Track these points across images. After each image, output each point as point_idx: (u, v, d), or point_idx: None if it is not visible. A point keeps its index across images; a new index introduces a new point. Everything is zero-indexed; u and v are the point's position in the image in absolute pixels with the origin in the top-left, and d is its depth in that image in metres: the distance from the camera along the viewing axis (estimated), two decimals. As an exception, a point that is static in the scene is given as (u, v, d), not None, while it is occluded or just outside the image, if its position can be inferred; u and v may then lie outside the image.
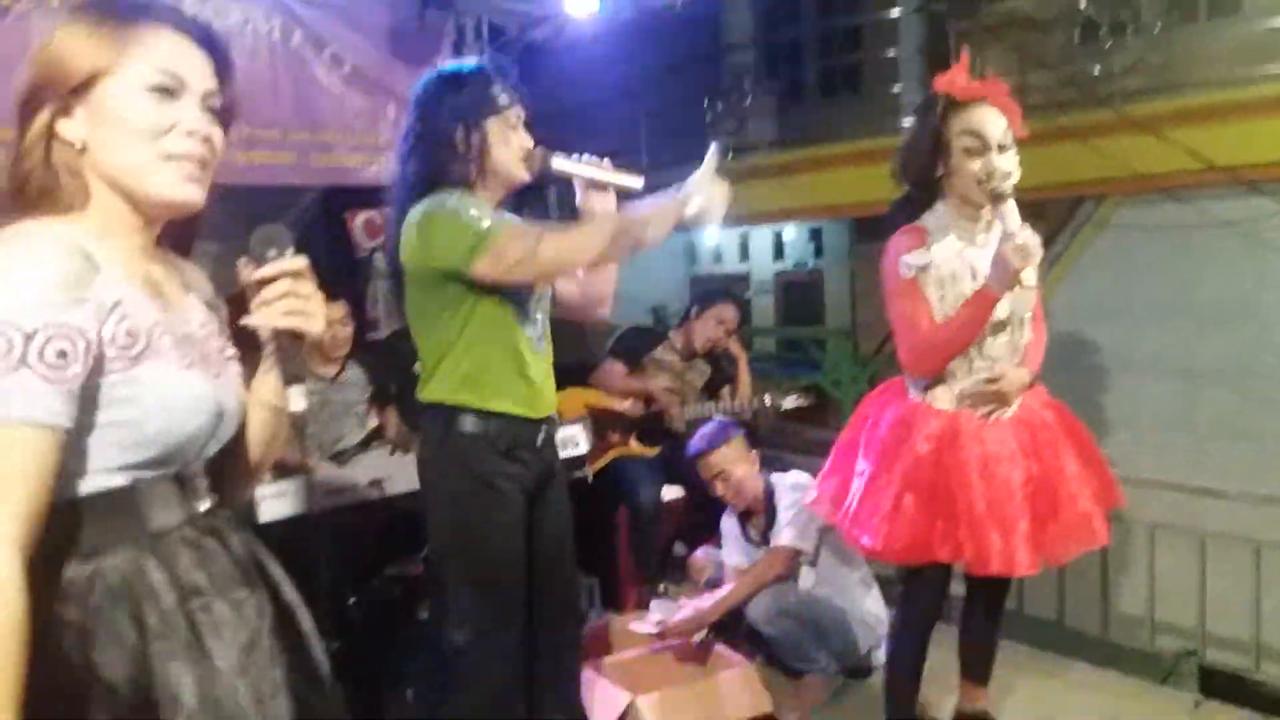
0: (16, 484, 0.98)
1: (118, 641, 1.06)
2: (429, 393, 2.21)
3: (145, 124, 1.11)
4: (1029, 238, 2.18)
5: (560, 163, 2.17)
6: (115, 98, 1.11)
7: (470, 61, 2.25)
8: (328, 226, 4.95)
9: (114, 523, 1.09)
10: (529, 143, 2.18)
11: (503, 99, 2.15)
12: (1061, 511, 2.33)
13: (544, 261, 2.02)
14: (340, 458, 3.46)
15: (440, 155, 2.13)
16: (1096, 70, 5.56)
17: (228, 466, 1.26)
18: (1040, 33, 6.18)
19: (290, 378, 1.20)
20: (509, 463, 2.17)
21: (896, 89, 6.85)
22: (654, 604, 3.37)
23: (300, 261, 1.19)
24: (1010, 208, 2.24)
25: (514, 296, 2.16)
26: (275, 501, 3.03)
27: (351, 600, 3.24)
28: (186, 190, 1.15)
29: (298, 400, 1.20)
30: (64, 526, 1.06)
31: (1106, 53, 5.56)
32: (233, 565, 1.19)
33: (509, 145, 2.15)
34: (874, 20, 6.92)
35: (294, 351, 1.20)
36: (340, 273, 4.72)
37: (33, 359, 0.98)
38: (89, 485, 1.08)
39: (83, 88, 1.10)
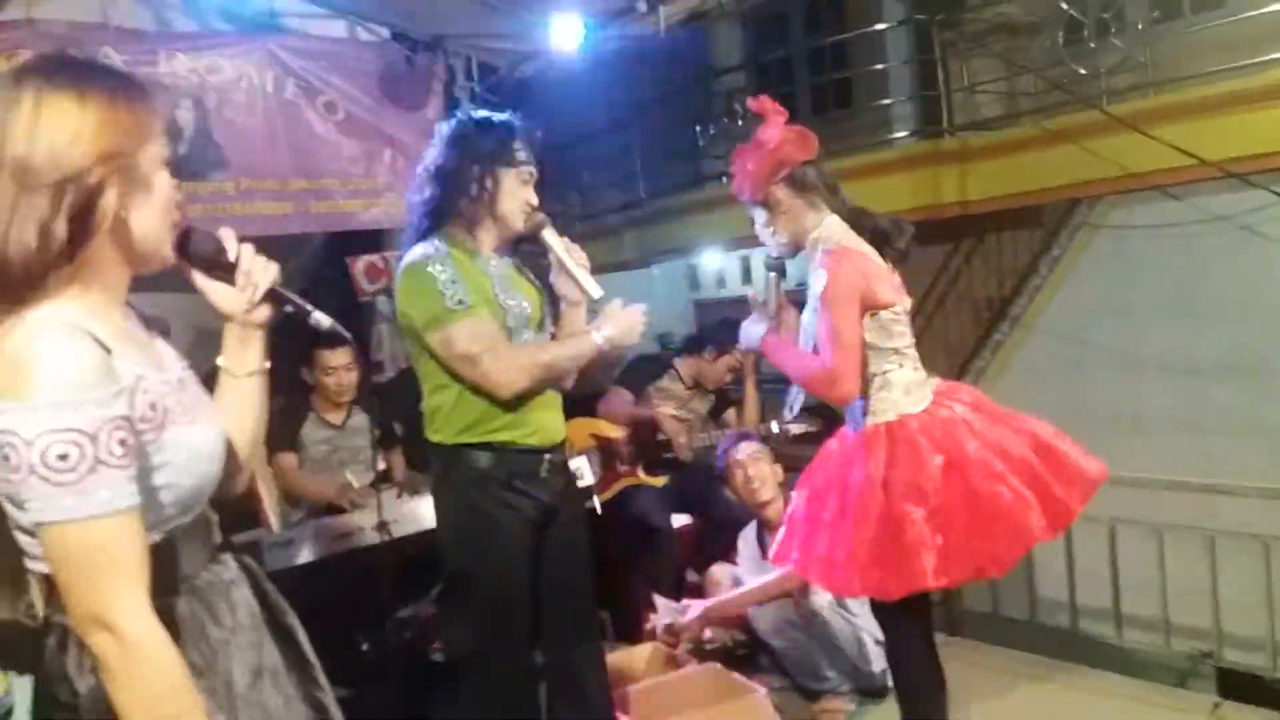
0: (133, 564, 1.11)
1: None
2: (431, 433, 2.32)
3: (168, 196, 1.24)
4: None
5: (549, 235, 2.32)
6: (150, 172, 1.21)
7: (502, 115, 2.36)
8: (331, 272, 5.01)
9: (155, 576, 1.17)
10: (534, 200, 2.32)
11: (520, 154, 2.29)
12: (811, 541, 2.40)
13: (481, 373, 2.18)
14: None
15: (453, 190, 2.26)
16: (1083, 71, 5.58)
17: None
18: (1025, 37, 6.21)
19: (305, 312, 1.39)
20: (509, 494, 2.24)
21: (887, 102, 6.90)
22: (660, 605, 3.41)
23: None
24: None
25: (513, 335, 2.26)
26: (282, 550, 3.06)
27: (364, 645, 3.25)
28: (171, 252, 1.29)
29: (325, 319, 1.41)
30: None
31: (1092, 53, 5.58)
32: (253, 607, 1.33)
33: (515, 198, 2.29)
34: (861, 35, 6.96)
35: (283, 298, 1.39)
36: (345, 317, 4.77)
37: (104, 456, 1.08)
38: None
39: (128, 163, 1.18)
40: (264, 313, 1.39)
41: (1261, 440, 4.99)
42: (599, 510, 3.76)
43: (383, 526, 3.23)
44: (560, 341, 2.34)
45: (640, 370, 4.26)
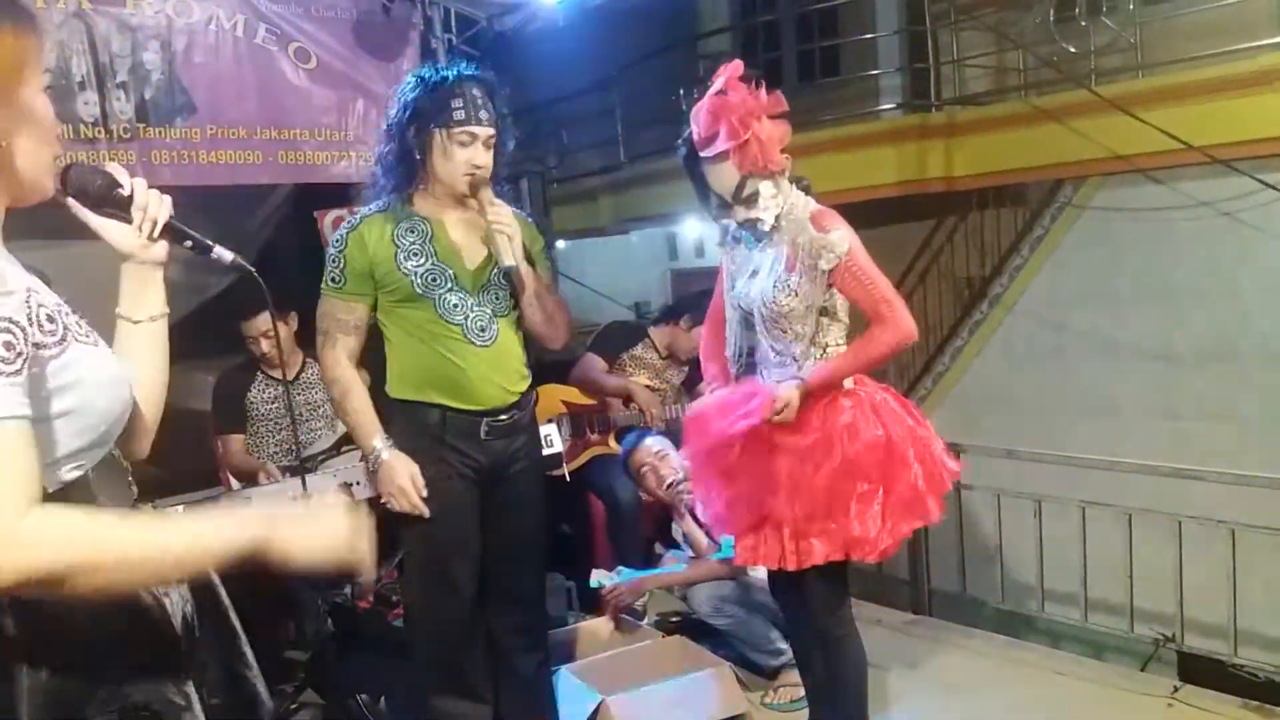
0: (21, 478, 0.98)
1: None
2: (387, 388, 2.37)
3: (50, 125, 1.17)
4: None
5: (482, 194, 2.26)
6: (33, 100, 1.14)
7: (454, 71, 2.28)
8: (298, 225, 4.89)
9: None
10: (480, 160, 2.22)
11: (459, 114, 2.20)
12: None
13: (319, 349, 2.35)
14: (310, 462, 3.40)
15: (389, 150, 2.26)
16: (1073, 50, 5.52)
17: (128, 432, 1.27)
18: (1016, 12, 6.14)
19: (205, 246, 1.34)
20: (445, 450, 2.27)
21: (875, 72, 6.82)
22: (595, 572, 3.38)
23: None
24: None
25: (429, 298, 2.25)
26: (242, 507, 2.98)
27: (324, 608, 3.19)
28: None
29: (226, 253, 1.35)
30: None
31: (1082, 32, 5.52)
32: None
33: (450, 159, 2.22)
34: (852, 3, 6.86)
35: (181, 232, 1.32)
36: (312, 272, 4.64)
37: None
38: (53, 482, 1.07)
39: (7, 89, 1.10)
40: (162, 250, 1.32)
41: (1233, 427, 5.02)
42: (567, 478, 3.72)
43: (346, 487, 3.16)
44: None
45: (614, 338, 4.19)
